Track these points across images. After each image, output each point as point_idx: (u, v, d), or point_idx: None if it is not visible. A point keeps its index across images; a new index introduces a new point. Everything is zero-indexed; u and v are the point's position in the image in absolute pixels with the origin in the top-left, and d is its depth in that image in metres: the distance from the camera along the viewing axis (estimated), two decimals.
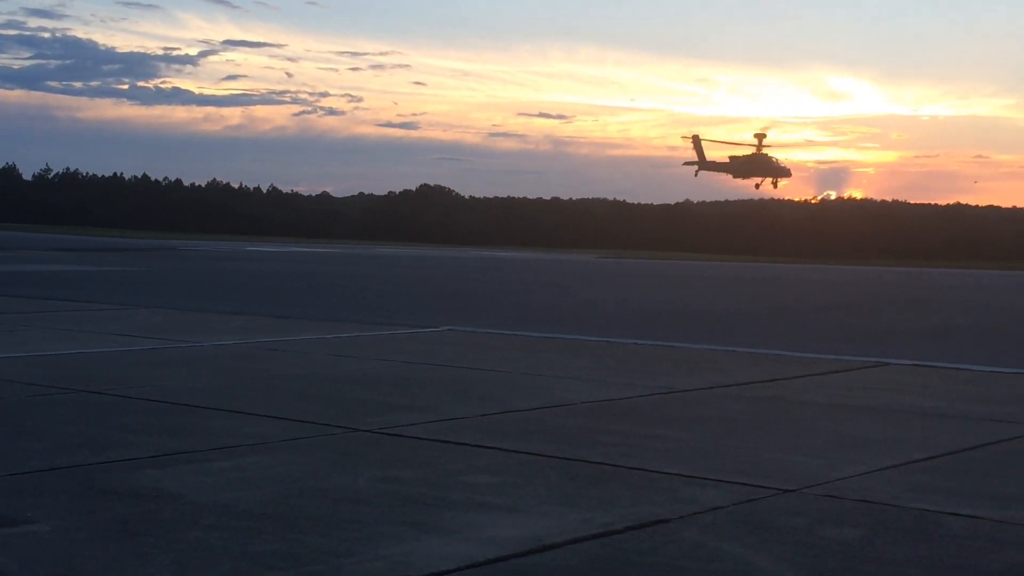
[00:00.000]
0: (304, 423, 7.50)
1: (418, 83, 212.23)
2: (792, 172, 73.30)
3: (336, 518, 5.11)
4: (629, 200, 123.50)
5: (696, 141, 74.07)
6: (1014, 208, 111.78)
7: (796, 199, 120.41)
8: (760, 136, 72.21)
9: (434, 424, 7.55)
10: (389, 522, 5.06)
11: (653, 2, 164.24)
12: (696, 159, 74.81)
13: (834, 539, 4.95)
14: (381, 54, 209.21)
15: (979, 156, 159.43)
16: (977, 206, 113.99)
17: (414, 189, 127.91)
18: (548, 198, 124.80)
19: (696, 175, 74.20)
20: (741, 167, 74.33)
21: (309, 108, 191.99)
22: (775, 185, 73.53)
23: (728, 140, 74.79)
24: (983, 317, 21.64)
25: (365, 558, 4.53)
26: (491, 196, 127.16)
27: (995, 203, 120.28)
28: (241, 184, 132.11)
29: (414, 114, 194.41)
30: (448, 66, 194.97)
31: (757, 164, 73.84)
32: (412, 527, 4.99)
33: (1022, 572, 4.56)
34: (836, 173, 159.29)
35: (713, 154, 77.17)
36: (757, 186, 74.08)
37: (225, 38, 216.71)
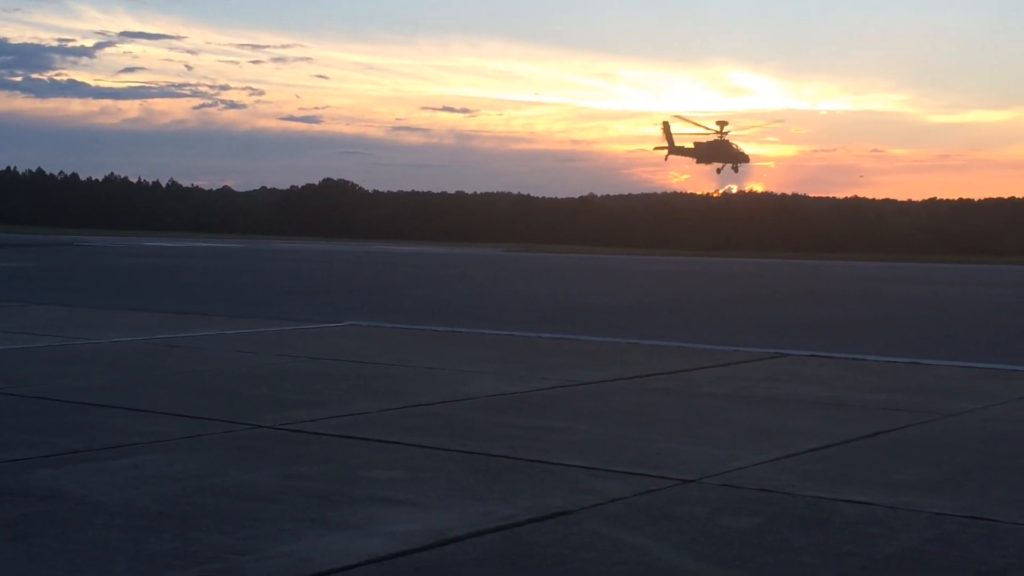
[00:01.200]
0: (204, 420, 7.40)
1: (321, 76, 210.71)
2: (749, 158, 78.53)
3: (236, 515, 5.06)
4: (533, 194, 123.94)
5: (666, 128, 78.27)
6: (909, 201, 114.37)
7: (698, 192, 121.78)
8: (722, 124, 76.90)
9: (337, 420, 7.50)
10: (290, 519, 5.02)
11: None
12: (666, 144, 78.32)
13: (732, 527, 5.02)
14: (283, 47, 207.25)
15: (876, 150, 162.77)
16: (874, 199, 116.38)
17: (317, 183, 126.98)
18: (453, 192, 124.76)
19: (666, 159, 79.74)
20: (705, 152, 77.50)
21: (209, 101, 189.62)
22: (735, 170, 77.46)
23: (696, 126, 76.74)
24: (880, 308, 22.09)
25: (265, 555, 4.49)
26: (395, 190, 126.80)
27: (891, 196, 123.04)
28: (140, 178, 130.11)
29: (317, 107, 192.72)
30: (351, 59, 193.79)
31: (719, 150, 77.13)
32: (314, 523, 4.95)
33: (913, 556, 4.67)
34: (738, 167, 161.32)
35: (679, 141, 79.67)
36: (719, 171, 77.20)
37: (122, 29, 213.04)
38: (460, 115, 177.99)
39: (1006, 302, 25.71)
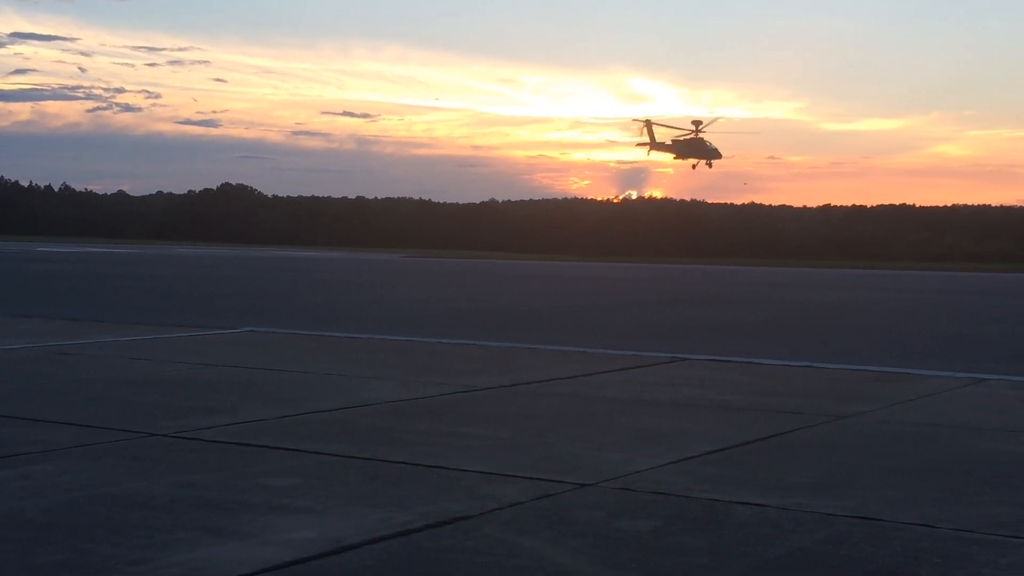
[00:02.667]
0: (97, 429, 7.26)
1: (219, 80, 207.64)
2: (722, 155, 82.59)
3: (128, 525, 4.97)
4: (435, 199, 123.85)
5: (648, 125, 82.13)
6: (804, 207, 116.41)
7: (599, 198, 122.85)
8: (697, 123, 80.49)
9: (233, 427, 7.41)
10: (185, 528, 4.95)
11: (458, 2, 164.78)
12: (648, 141, 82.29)
13: (629, 531, 5.06)
14: (179, 49, 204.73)
15: (772, 157, 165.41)
16: (770, 205, 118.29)
17: (215, 188, 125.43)
18: (353, 197, 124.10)
19: (648, 154, 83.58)
20: (682, 149, 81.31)
21: (104, 104, 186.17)
22: (709, 165, 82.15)
23: (672, 126, 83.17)
24: (775, 312, 22.46)
25: (158, 565, 4.42)
26: (295, 195, 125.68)
27: (787, 202, 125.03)
28: (32, 182, 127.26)
29: (215, 111, 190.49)
30: (250, 63, 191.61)
31: (694, 147, 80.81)
32: (208, 532, 4.88)
33: (805, 556, 4.75)
34: (637, 173, 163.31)
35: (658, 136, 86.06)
36: (694, 166, 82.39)
37: (12, 30, 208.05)
38: (361, 120, 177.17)
39: (897, 306, 26.30)
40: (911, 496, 5.81)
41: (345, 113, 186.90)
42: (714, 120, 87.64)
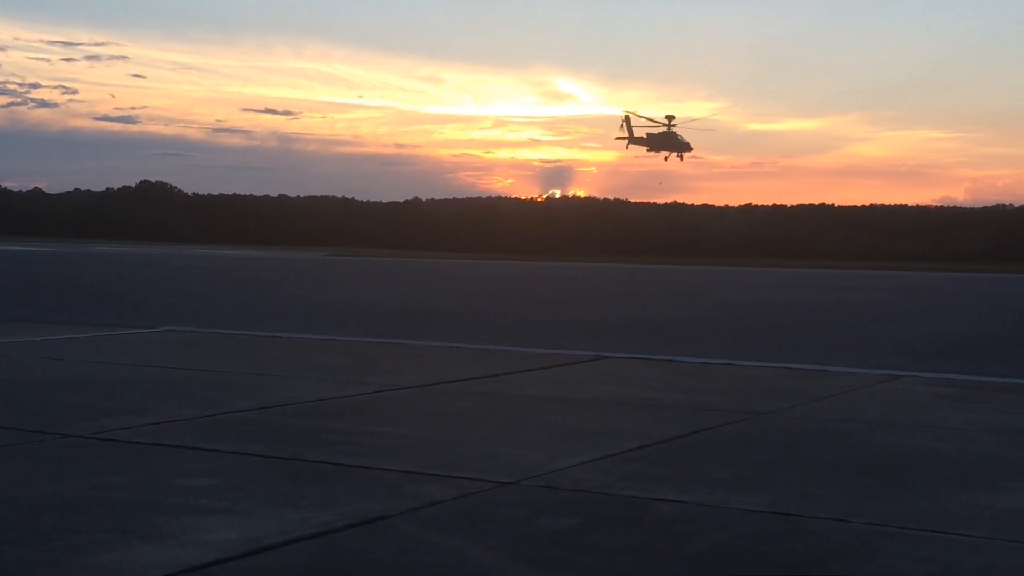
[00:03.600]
0: (9, 430, 7.13)
1: (137, 76, 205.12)
2: (692, 147, 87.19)
3: (42, 527, 4.88)
4: (358, 198, 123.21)
5: (627, 120, 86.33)
6: (726, 207, 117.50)
7: (523, 197, 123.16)
8: (670, 118, 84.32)
9: (150, 427, 7.32)
10: (100, 530, 4.87)
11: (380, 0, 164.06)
12: (627, 135, 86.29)
13: (550, 529, 5.07)
14: (97, 44, 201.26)
15: (694, 156, 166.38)
16: (693, 204, 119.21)
17: (134, 185, 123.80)
18: (275, 195, 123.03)
19: (627, 147, 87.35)
20: (655, 142, 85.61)
21: (19, 100, 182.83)
22: (681, 158, 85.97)
23: (651, 120, 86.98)
24: (696, 310, 22.66)
25: (74, 568, 4.35)
26: (216, 193, 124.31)
27: (709, 202, 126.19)
28: None
29: (133, 108, 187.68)
30: (169, 59, 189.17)
31: (668, 140, 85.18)
32: (124, 534, 4.82)
33: (724, 552, 4.80)
34: (560, 172, 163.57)
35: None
36: (666, 158, 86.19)
37: None
38: (283, 117, 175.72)
39: (815, 304, 26.66)
40: (827, 491, 5.89)
41: (267, 110, 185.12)
42: (699, 119, 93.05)
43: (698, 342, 15.26)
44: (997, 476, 6.35)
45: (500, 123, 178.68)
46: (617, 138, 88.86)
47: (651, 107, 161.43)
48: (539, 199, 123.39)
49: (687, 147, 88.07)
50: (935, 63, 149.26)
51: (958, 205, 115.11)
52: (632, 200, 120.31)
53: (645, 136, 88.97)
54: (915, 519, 5.32)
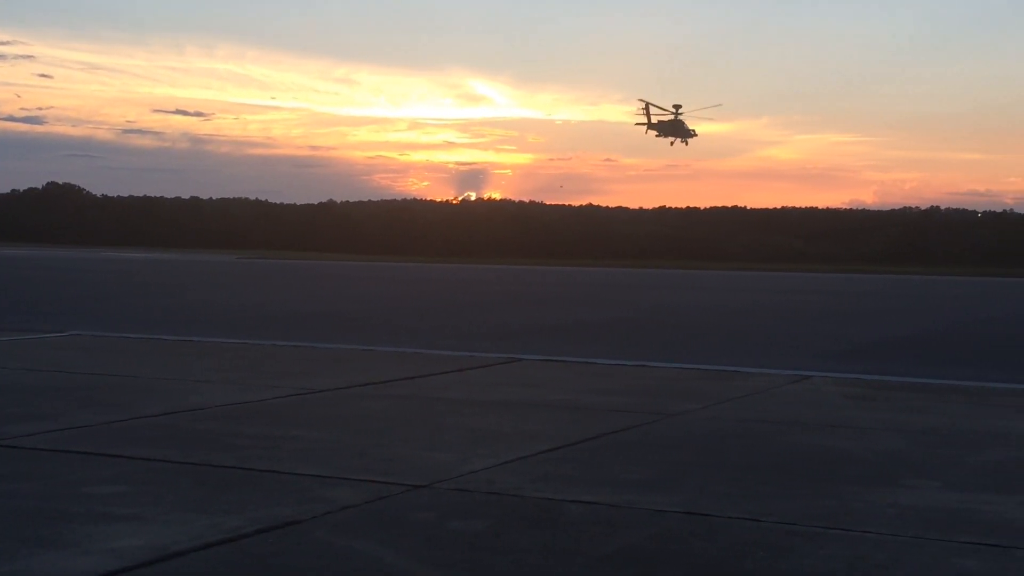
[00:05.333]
0: None
1: (44, 75, 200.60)
2: (697, 133, 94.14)
3: None
4: (272, 200, 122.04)
5: (647, 107, 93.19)
6: (640, 209, 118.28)
7: (438, 199, 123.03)
8: (677, 107, 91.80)
9: (55, 434, 7.17)
10: (3, 538, 4.76)
11: (292, 1, 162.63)
12: (645, 121, 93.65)
13: (462, 531, 5.06)
14: (1, 44, 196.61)
15: (608, 159, 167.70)
16: (607, 207, 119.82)
17: (41, 187, 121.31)
18: (187, 197, 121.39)
19: (646, 132, 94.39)
20: (665, 128, 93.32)
21: None
22: (685, 143, 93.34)
23: (662, 108, 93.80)
24: (610, 312, 22.78)
25: None
26: (126, 195, 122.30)
27: (624, 204, 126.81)
28: None
29: (40, 108, 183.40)
30: (77, 58, 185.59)
31: (676, 127, 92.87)
32: (27, 543, 4.71)
33: (635, 553, 4.82)
34: (476, 174, 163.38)
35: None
36: (672, 143, 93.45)
37: None
38: (194, 118, 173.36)
39: (728, 305, 26.97)
40: (738, 491, 5.94)
41: (178, 111, 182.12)
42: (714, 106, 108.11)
43: (611, 344, 15.34)
44: (902, 474, 6.46)
45: (415, 125, 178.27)
46: (636, 124, 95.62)
47: (567, 110, 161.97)
48: (454, 201, 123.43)
49: (692, 134, 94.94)
50: (845, 68, 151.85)
51: (867, 208, 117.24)
52: (547, 202, 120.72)
53: (656, 123, 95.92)
54: (823, 517, 5.40)
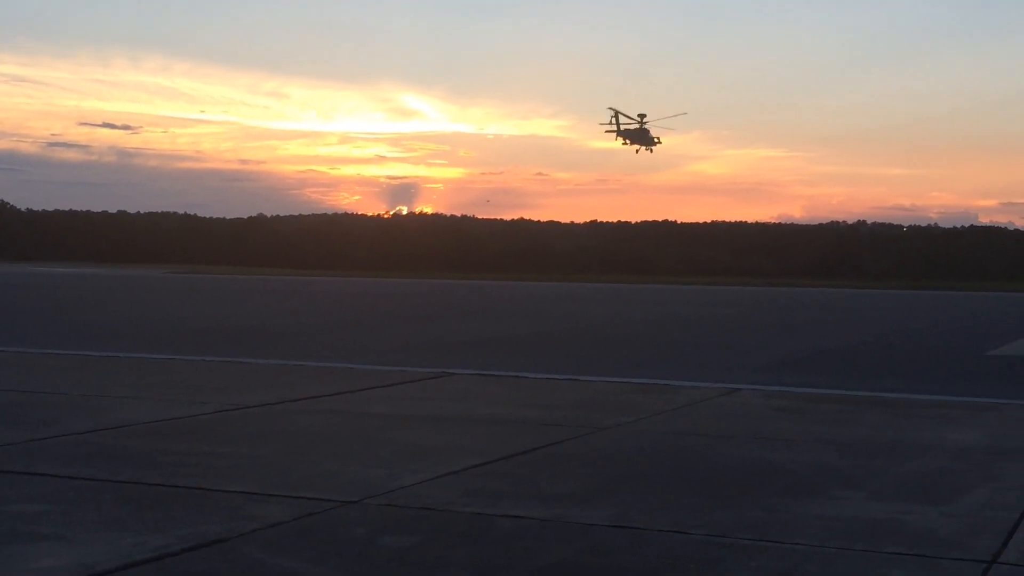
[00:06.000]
0: None
1: None
2: (661, 141, 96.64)
3: None
4: (201, 214, 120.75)
5: (616, 115, 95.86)
6: (572, 223, 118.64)
7: (369, 214, 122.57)
8: (642, 116, 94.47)
9: None
10: None
11: (221, 13, 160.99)
12: (615, 128, 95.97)
13: (392, 547, 5.03)
14: None
15: (540, 174, 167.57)
16: (539, 221, 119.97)
17: None
18: (114, 211, 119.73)
19: (615, 139, 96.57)
20: (632, 136, 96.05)
21: None
22: (650, 151, 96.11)
23: (628, 117, 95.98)
24: (542, 326, 22.82)
25: None
26: (51, 209, 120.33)
27: (555, 218, 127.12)
28: None
29: None
30: (0, 71, 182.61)
31: (641, 136, 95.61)
32: None
33: (565, 567, 4.82)
34: (407, 188, 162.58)
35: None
36: (637, 151, 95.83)
37: None
38: (122, 131, 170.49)
39: (659, 319, 27.12)
40: (668, 504, 5.97)
41: (105, 124, 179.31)
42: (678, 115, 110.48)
43: (543, 358, 15.36)
44: (829, 486, 6.53)
45: (346, 139, 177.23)
46: (606, 131, 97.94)
47: (498, 124, 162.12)
48: (386, 215, 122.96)
49: (656, 142, 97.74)
50: (773, 84, 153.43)
51: (795, 222, 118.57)
52: (479, 216, 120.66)
53: (624, 130, 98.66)
54: (752, 529, 5.44)
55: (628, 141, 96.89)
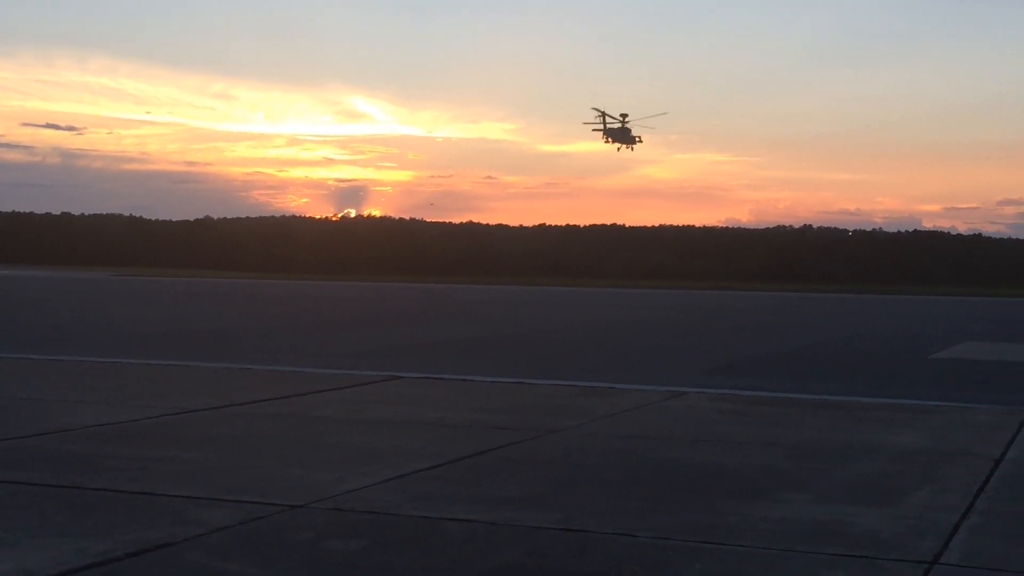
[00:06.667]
0: None
1: None
2: (643, 140, 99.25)
3: None
4: (147, 216, 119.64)
5: (603, 115, 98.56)
6: (521, 227, 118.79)
7: (317, 216, 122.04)
8: (624, 116, 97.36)
9: None
10: None
11: (167, 14, 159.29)
12: (602, 126, 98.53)
13: (339, 551, 5.02)
14: None
15: (489, 177, 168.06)
16: (488, 224, 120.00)
17: None
18: (58, 213, 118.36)
19: (602, 137, 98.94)
20: (615, 135, 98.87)
21: None
22: (631, 149, 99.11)
23: (611, 117, 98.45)
24: (490, 329, 22.83)
25: None
26: None
27: (504, 222, 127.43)
28: None
29: None
30: None
31: (623, 135, 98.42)
32: None
33: (511, 570, 4.83)
34: (356, 191, 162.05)
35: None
36: (619, 149, 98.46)
37: None
38: (66, 132, 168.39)
39: (608, 322, 27.21)
40: (614, 507, 6.00)
41: (48, 125, 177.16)
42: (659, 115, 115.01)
43: (491, 361, 15.37)
44: (773, 488, 6.59)
45: (294, 141, 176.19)
46: (593, 129, 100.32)
47: (447, 127, 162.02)
48: (334, 218, 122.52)
49: (636, 140, 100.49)
50: (721, 88, 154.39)
51: (742, 226, 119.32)
52: (427, 219, 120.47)
53: (608, 130, 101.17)
54: (697, 531, 5.48)
55: (611, 140, 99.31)
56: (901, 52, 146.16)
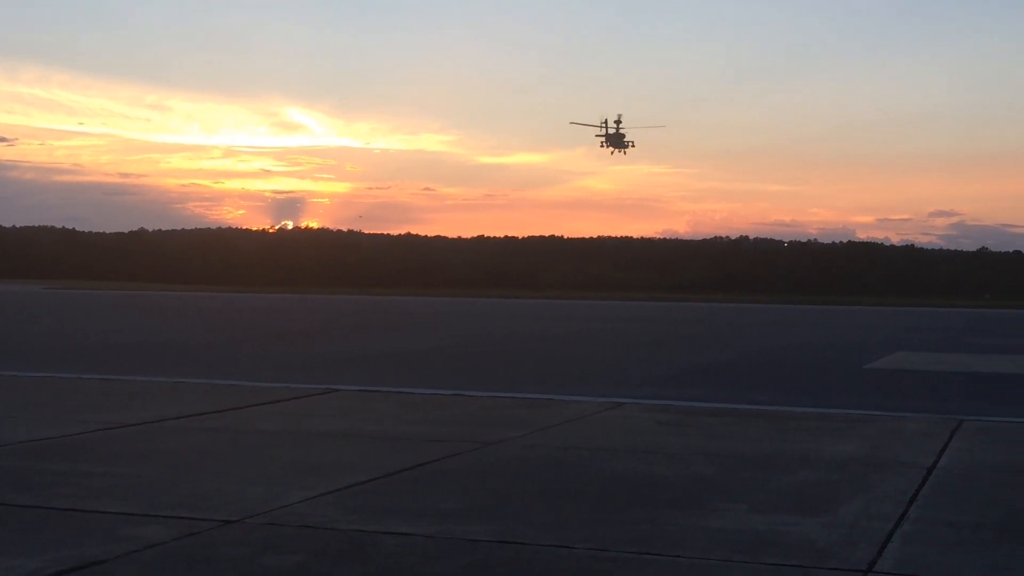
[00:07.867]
0: None
1: None
2: (635, 144, 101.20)
3: None
4: (80, 228, 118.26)
5: (606, 122, 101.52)
6: (459, 238, 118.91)
7: (254, 228, 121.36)
8: (617, 122, 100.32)
9: None
10: None
11: (101, 23, 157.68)
12: (604, 133, 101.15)
13: (274, 567, 4.97)
14: None
15: (427, 188, 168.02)
16: (427, 236, 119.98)
17: None
18: None
19: (602, 145, 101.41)
20: (610, 139, 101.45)
21: None
22: (624, 153, 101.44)
23: (603, 125, 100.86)
24: (427, 342, 22.77)
25: None
26: None
27: (443, 233, 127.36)
28: None
29: None
30: None
31: (618, 139, 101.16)
32: None
33: None
34: (293, 203, 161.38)
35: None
36: (612, 153, 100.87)
37: None
38: None
39: (546, 333, 27.26)
40: (553, 519, 5.99)
41: None
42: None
43: (429, 373, 15.33)
44: (711, 498, 6.61)
45: (230, 153, 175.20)
46: (596, 135, 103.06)
47: (385, 139, 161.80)
48: (271, 230, 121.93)
49: (629, 145, 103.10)
50: (658, 101, 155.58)
51: (680, 237, 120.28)
52: (365, 231, 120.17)
53: (606, 135, 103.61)
54: (635, 542, 5.48)
55: (609, 144, 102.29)
56: (834, 65, 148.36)
